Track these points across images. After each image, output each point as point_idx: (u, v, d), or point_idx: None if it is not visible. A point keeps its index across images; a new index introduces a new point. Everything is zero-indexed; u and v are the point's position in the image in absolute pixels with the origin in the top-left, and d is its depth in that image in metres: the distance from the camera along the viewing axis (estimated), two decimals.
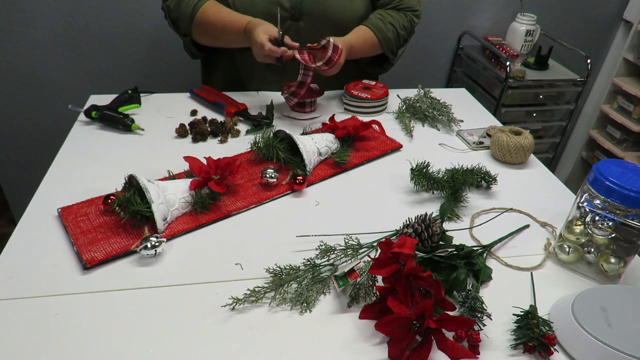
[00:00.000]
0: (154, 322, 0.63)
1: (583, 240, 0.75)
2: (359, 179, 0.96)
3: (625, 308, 0.64)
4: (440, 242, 0.76)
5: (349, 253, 0.73)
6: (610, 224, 0.71)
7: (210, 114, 1.13)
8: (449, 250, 0.73)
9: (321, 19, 1.15)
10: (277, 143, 0.95)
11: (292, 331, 0.63)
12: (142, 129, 1.06)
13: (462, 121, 1.17)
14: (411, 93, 1.25)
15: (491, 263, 0.76)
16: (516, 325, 0.64)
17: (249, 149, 0.99)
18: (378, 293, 0.65)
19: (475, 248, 0.76)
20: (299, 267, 0.71)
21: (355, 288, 0.68)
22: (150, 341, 0.60)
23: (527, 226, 0.85)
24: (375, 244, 0.75)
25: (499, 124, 1.19)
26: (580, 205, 0.73)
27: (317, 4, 1.14)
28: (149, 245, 0.71)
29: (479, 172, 0.92)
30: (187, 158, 0.86)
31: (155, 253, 0.72)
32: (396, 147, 1.05)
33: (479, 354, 0.61)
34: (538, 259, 0.78)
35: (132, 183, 0.80)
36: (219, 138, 1.05)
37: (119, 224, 0.77)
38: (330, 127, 1.03)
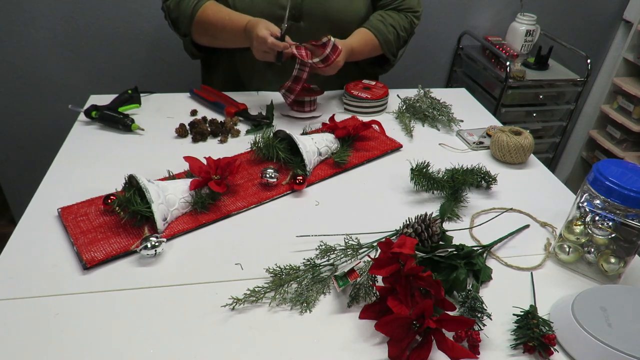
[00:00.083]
0: (154, 322, 0.63)
1: (583, 240, 0.75)
2: (359, 179, 0.96)
3: (625, 308, 0.64)
4: (440, 242, 0.76)
5: (349, 253, 0.73)
6: (610, 224, 0.71)
7: (210, 114, 1.13)
8: (449, 250, 0.73)
9: (321, 19, 1.15)
10: (277, 143, 0.95)
11: (292, 331, 0.63)
12: (142, 129, 1.06)
13: (462, 121, 1.17)
14: (411, 93, 1.25)
15: (491, 263, 0.76)
16: (516, 325, 0.64)
17: (249, 149, 0.99)
18: (378, 293, 0.65)
19: (475, 248, 0.76)
20: (299, 267, 0.71)
21: (355, 288, 0.68)
22: (150, 341, 0.60)
23: (527, 226, 0.85)
24: (375, 244, 0.75)
25: (499, 124, 1.19)
26: (580, 205, 0.73)
27: (317, 4, 1.14)
28: (149, 245, 0.71)
29: (479, 172, 0.92)
30: (187, 158, 0.86)
31: (155, 253, 0.72)
32: (396, 147, 1.05)
33: (479, 354, 0.61)
34: (538, 259, 0.78)
35: (132, 183, 0.80)
36: (219, 138, 1.05)
37: (119, 224, 0.77)
38: (330, 127, 1.03)
